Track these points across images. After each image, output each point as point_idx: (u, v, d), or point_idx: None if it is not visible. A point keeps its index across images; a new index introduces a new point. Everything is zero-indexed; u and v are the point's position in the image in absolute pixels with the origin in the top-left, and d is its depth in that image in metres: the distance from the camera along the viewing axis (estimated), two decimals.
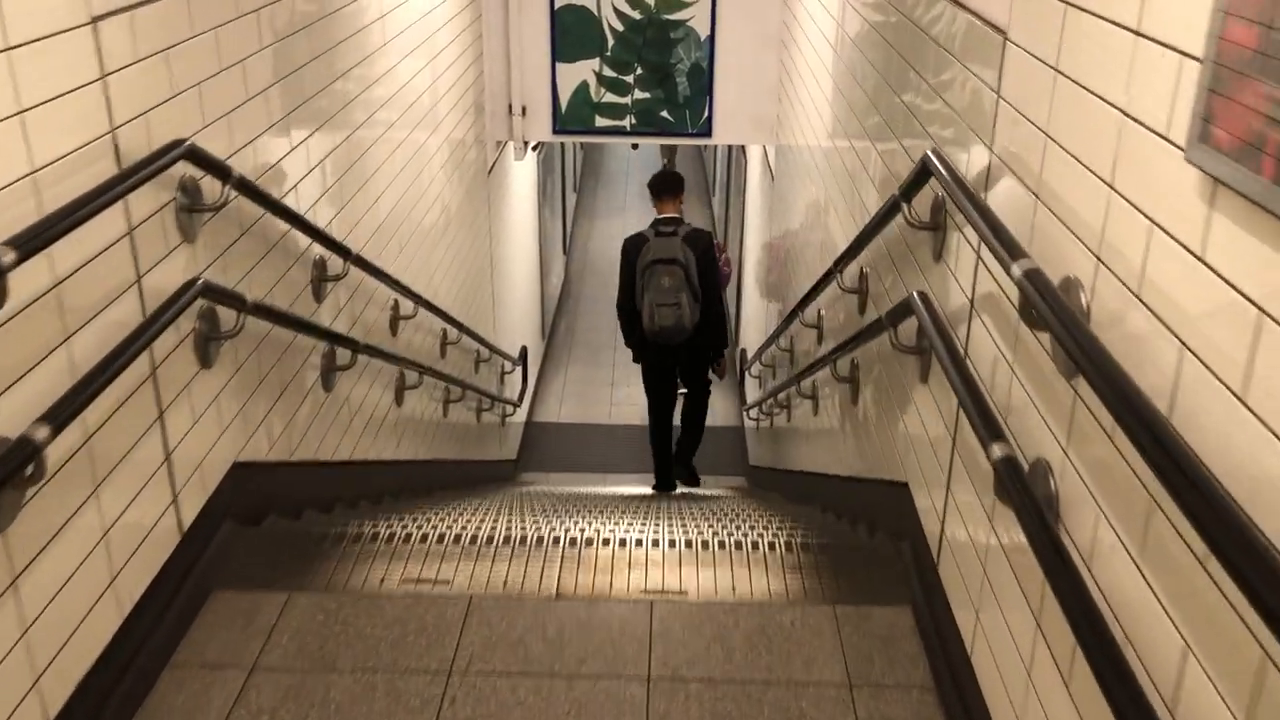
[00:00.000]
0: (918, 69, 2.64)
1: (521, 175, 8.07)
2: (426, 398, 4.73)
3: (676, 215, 5.60)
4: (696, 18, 6.31)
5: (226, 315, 2.47)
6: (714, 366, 5.99)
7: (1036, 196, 1.69)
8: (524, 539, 2.96)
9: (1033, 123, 1.73)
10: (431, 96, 4.82)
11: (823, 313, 4.00)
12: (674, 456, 6.44)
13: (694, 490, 6.70)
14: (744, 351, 7.85)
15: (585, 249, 13.19)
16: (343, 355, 3.36)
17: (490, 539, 2.97)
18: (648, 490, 6.63)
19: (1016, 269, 1.50)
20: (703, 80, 6.46)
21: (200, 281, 2.25)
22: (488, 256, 6.50)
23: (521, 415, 8.37)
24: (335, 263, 3.26)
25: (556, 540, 2.96)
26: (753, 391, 7.58)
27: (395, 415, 4.23)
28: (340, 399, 3.47)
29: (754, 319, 7.83)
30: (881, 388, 2.85)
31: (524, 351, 7.68)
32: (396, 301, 4.13)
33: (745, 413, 7.71)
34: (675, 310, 5.34)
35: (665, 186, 5.60)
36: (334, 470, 3.38)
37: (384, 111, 3.94)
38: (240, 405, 2.65)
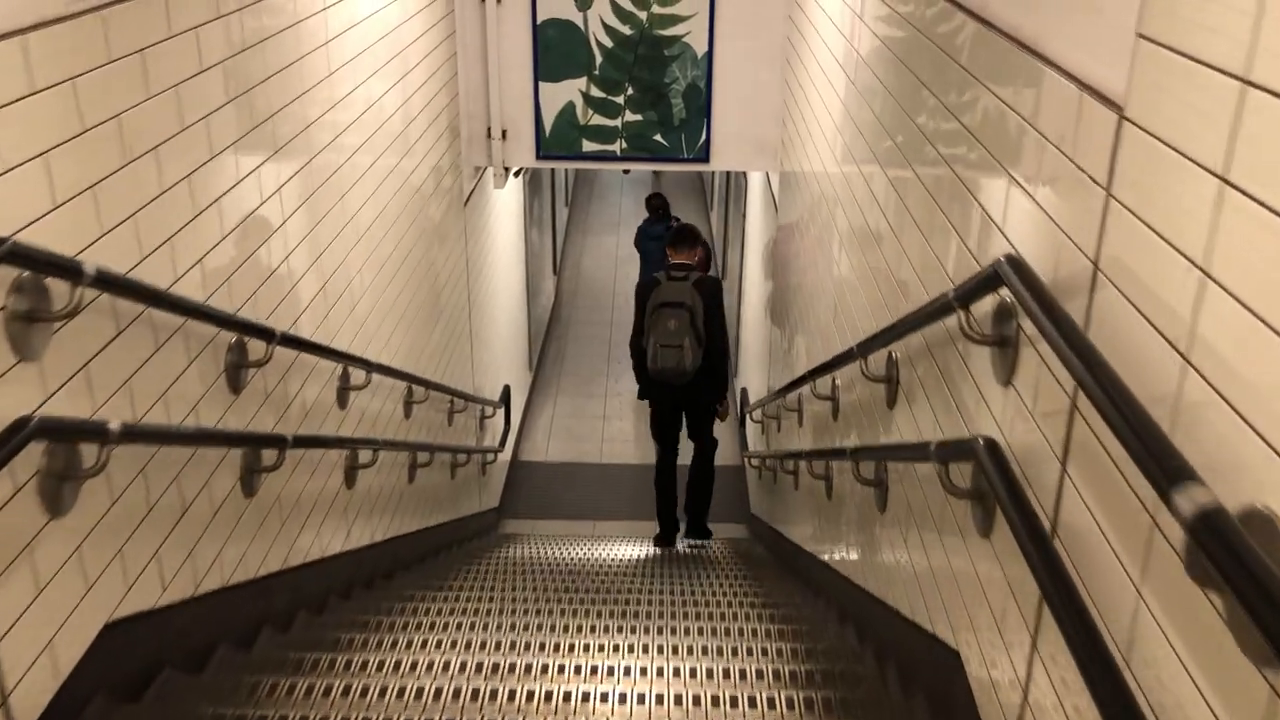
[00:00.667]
0: (964, 122, 2.10)
1: (505, 197, 7.53)
2: (386, 470, 4.20)
3: (690, 263, 5.62)
4: (693, 33, 5.78)
5: (89, 446, 1.93)
6: (715, 409, 6.10)
7: (1185, 360, 1.16)
8: (475, 694, 2.42)
9: (1174, 247, 1.20)
10: (399, 123, 4.29)
11: (838, 383, 3.47)
12: (687, 510, 6.53)
13: (698, 543, 6.43)
14: (745, 390, 7.31)
15: (577, 267, 12.66)
16: (270, 452, 2.83)
17: (437, 693, 2.43)
18: (638, 552, 6.10)
19: (1184, 503, 0.97)
20: (700, 101, 5.93)
21: (35, 420, 1.72)
22: (464, 294, 5.96)
23: (506, 454, 7.84)
24: (258, 345, 2.73)
25: (512, 695, 2.42)
26: (753, 433, 7.05)
27: (346, 499, 3.69)
28: (267, 502, 2.94)
29: (755, 355, 7.30)
30: (922, 515, 2.32)
31: (506, 392, 7.15)
32: (346, 369, 3.60)
33: (746, 459, 7.16)
34: (677, 352, 5.48)
35: (682, 240, 5.64)
36: (255, 589, 2.84)
37: (331, 153, 3.41)
38: (117, 548, 2.12)
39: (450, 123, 5.53)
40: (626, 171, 14.43)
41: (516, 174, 6.67)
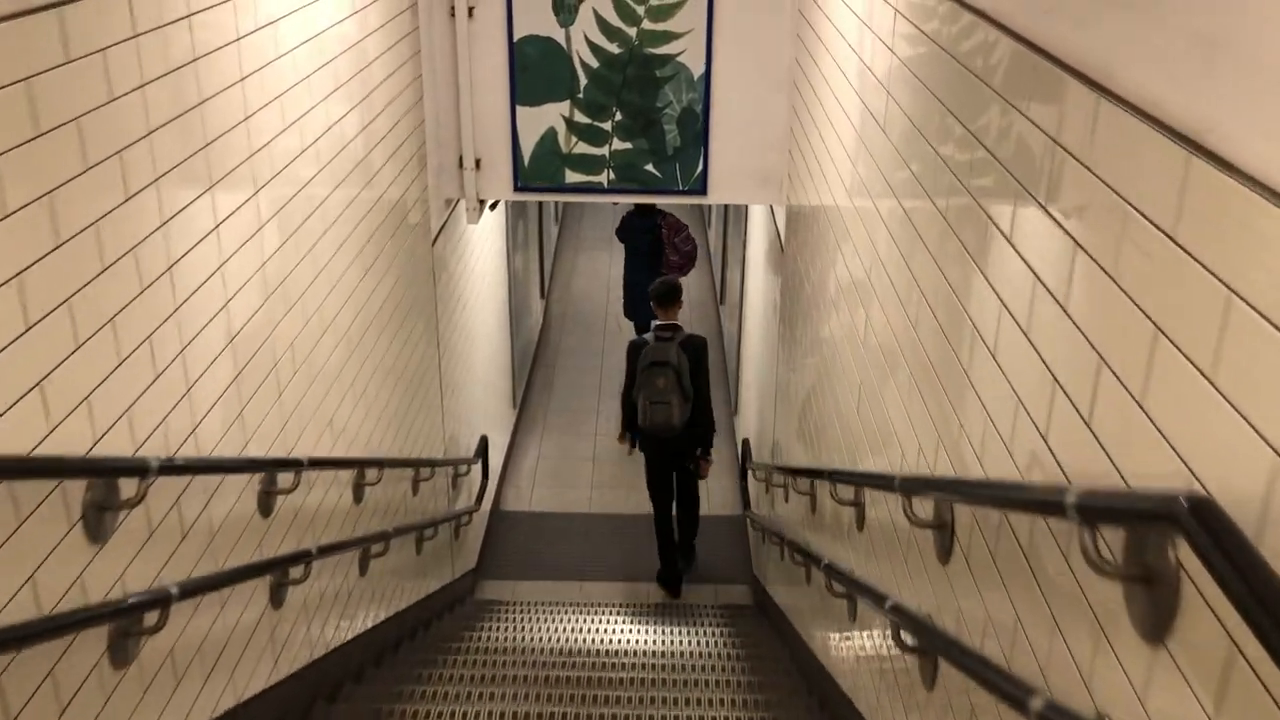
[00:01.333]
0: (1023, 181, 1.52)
1: (483, 226, 6.94)
2: (329, 573, 3.61)
3: (676, 323, 6.05)
4: (688, 52, 5.20)
5: None
6: (701, 460, 6.41)
7: None
8: None
9: None
10: (353, 153, 3.70)
11: (867, 498, 2.89)
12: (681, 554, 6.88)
13: (694, 606, 6.44)
14: (745, 442, 6.72)
15: (568, 288, 12.07)
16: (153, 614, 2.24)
17: None
18: (632, 634, 5.51)
19: None
20: (696, 128, 5.34)
21: None
22: (433, 342, 5.38)
23: (486, 504, 7.25)
24: (132, 479, 2.14)
25: None
26: (755, 489, 6.46)
27: (272, 623, 3.10)
28: (152, 665, 2.35)
29: (758, 395, 6.72)
30: None
31: (483, 443, 6.56)
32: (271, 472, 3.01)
33: (748, 520, 6.57)
34: (665, 409, 5.93)
35: (666, 298, 6.08)
36: None
37: (249, 209, 2.82)
38: None
39: (417, 152, 4.95)
40: (616, 204, 13.71)
41: (493, 207, 6.10)
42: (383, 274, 4.29)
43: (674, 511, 6.64)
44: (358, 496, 3.91)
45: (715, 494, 7.88)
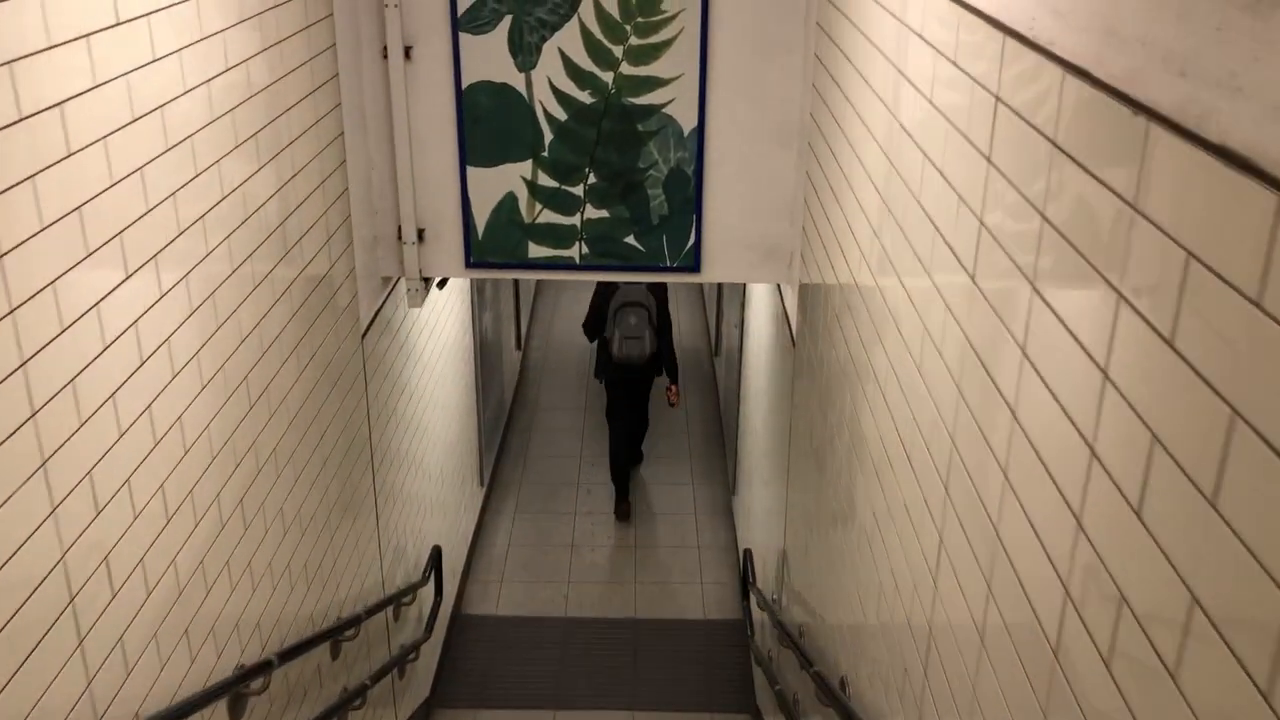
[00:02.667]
0: None
1: (437, 298, 6.03)
2: None
3: None
4: (677, 102, 4.29)
5: None
6: (671, 387, 7.66)
7: None
8: None
9: None
10: (255, 237, 2.78)
11: None
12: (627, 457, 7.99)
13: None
14: (747, 554, 5.78)
15: (548, 334, 11.14)
16: None
17: None
18: None
19: None
20: (686, 192, 4.43)
21: None
22: (364, 450, 4.45)
23: (445, 610, 6.32)
24: None
25: None
26: (757, 612, 5.53)
27: None
28: None
29: (758, 505, 5.79)
30: None
31: (435, 556, 5.62)
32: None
33: (751, 648, 5.62)
34: (639, 343, 7.21)
35: None
36: None
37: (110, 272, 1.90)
38: None
39: (342, 223, 4.04)
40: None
41: (440, 285, 5.18)
42: (278, 400, 3.36)
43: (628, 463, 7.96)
44: (236, 713, 2.97)
45: (710, 592, 6.97)
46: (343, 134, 4.02)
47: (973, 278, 1.90)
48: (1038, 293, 1.58)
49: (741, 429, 7.21)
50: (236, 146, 2.98)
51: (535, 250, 4.55)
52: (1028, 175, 1.65)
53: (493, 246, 4.54)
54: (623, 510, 7.82)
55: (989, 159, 1.82)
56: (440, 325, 5.97)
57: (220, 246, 2.88)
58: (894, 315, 2.58)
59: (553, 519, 7.82)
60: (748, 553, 5.66)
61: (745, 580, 5.54)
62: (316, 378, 3.74)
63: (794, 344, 4.39)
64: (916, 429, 2.33)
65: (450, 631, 6.49)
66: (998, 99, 1.78)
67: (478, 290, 7.27)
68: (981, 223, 1.85)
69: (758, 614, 5.36)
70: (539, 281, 12.22)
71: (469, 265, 4.58)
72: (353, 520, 4.28)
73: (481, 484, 7.67)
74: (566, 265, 4.58)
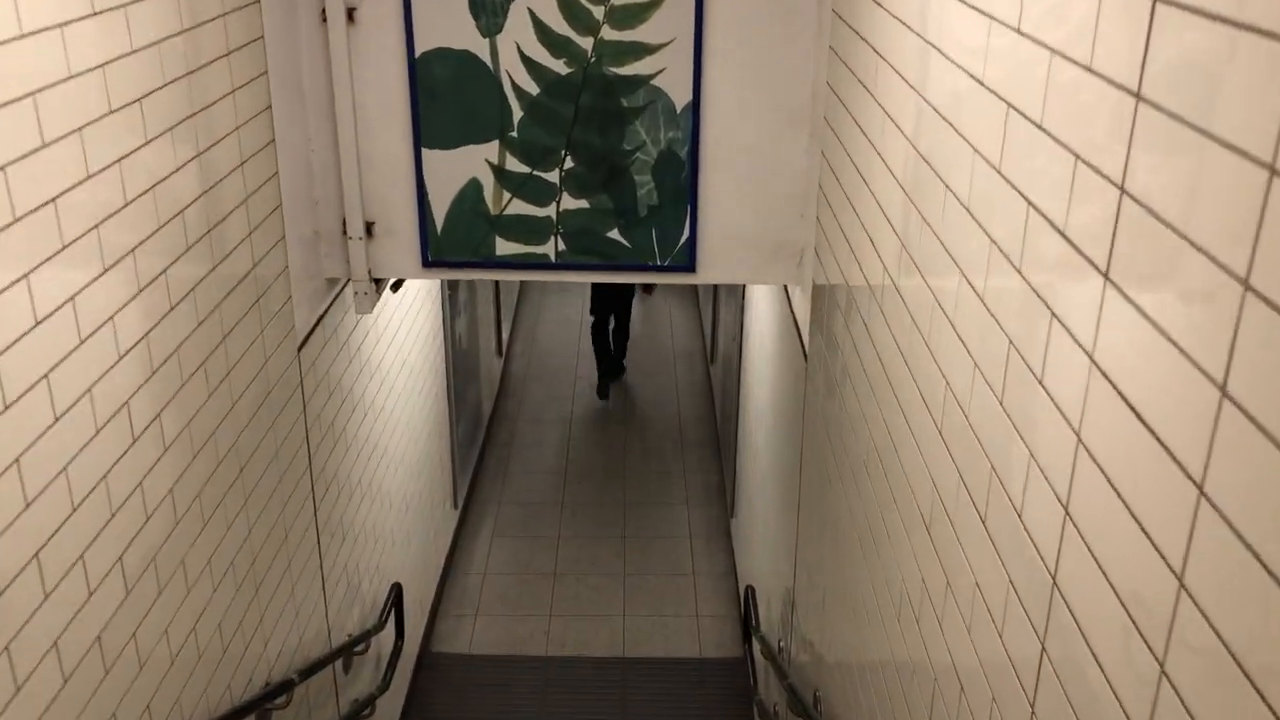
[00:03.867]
0: None
1: (404, 298, 5.42)
2: None
3: None
4: (668, 72, 3.69)
5: None
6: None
7: None
8: None
9: None
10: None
11: None
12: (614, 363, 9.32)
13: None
14: (751, 592, 5.17)
15: (531, 339, 10.53)
16: None
17: None
18: None
19: None
20: (679, 179, 3.83)
21: None
22: (300, 480, 3.85)
23: (410, 652, 5.72)
24: None
25: None
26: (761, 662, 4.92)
27: None
28: None
29: (765, 544, 5.19)
30: None
31: (395, 595, 5.00)
32: None
33: (755, 710, 5.00)
34: None
35: None
36: None
37: None
38: None
39: (270, 213, 3.43)
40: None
41: (395, 288, 4.58)
42: (178, 428, 2.75)
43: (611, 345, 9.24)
44: None
45: (707, 627, 6.37)
46: (270, 108, 3.41)
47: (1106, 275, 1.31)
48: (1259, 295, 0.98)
49: (741, 444, 6.61)
50: (112, 111, 2.38)
51: (504, 246, 3.94)
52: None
53: (454, 242, 3.93)
54: (603, 389, 9.19)
55: (1138, 95, 1.22)
56: (403, 333, 5.36)
57: (86, 236, 2.27)
58: (954, 324, 1.99)
59: (533, 544, 7.21)
60: (750, 591, 5.05)
61: (747, 622, 4.93)
62: (234, 398, 3.13)
63: (806, 356, 3.79)
64: (993, 478, 1.73)
65: (416, 675, 5.87)
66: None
67: (450, 292, 6.66)
68: (1124, 192, 1.25)
69: (762, 661, 4.75)
70: (522, 282, 11.62)
71: (427, 264, 3.98)
72: (287, 563, 3.66)
73: (455, 506, 7.06)
74: (540, 264, 3.97)
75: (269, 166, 3.41)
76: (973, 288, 1.90)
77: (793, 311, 4.16)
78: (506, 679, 5.97)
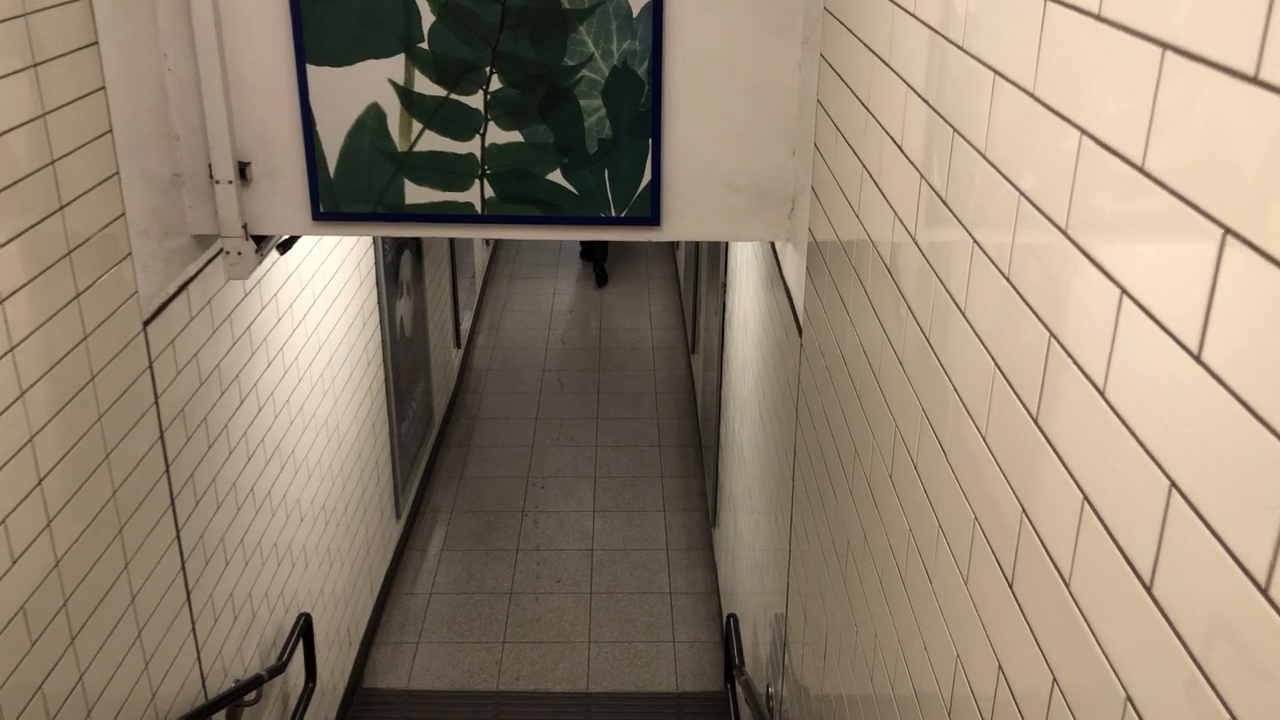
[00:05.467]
0: None
1: (321, 262, 4.63)
2: None
3: None
4: None
5: None
6: None
7: None
8: None
9: None
10: None
11: None
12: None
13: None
14: (733, 622, 4.36)
15: (496, 328, 9.73)
16: None
17: None
18: None
19: None
20: (638, 104, 3.04)
21: None
22: (153, 489, 3.05)
23: (333, 690, 4.94)
24: None
25: None
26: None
27: None
28: None
29: (750, 559, 4.40)
30: None
31: (305, 628, 4.19)
32: None
33: None
34: None
35: None
36: None
37: None
38: None
39: (90, 142, 2.63)
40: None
41: (284, 248, 3.73)
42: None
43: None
44: None
45: (685, 655, 5.60)
46: (92, 9, 2.61)
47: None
48: None
49: (724, 444, 5.83)
50: None
51: (415, 194, 3.14)
52: None
53: (352, 189, 3.13)
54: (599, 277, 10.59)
55: None
56: (320, 312, 4.56)
57: None
58: (1014, 284, 1.21)
59: (488, 559, 6.41)
60: (732, 622, 4.24)
61: (729, 659, 4.14)
62: (21, 385, 2.33)
63: (800, 329, 2.99)
64: (1085, 511, 0.95)
65: (343, 716, 5.07)
66: None
67: (389, 269, 5.86)
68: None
69: (745, 709, 3.96)
70: (491, 262, 10.82)
71: (318, 217, 3.17)
72: (129, 596, 2.86)
73: (398, 516, 6.25)
74: (462, 217, 3.17)
75: (87, 76, 2.61)
76: (1056, 227, 1.11)
77: (783, 278, 3.37)
78: (452, 718, 5.18)
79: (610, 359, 9.06)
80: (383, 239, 5.66)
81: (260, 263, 3.29)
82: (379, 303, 5.68)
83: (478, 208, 3.15)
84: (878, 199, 2.08)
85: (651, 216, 3.17)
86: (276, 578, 4.10)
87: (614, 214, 3.16)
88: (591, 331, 9.62)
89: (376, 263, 5.61)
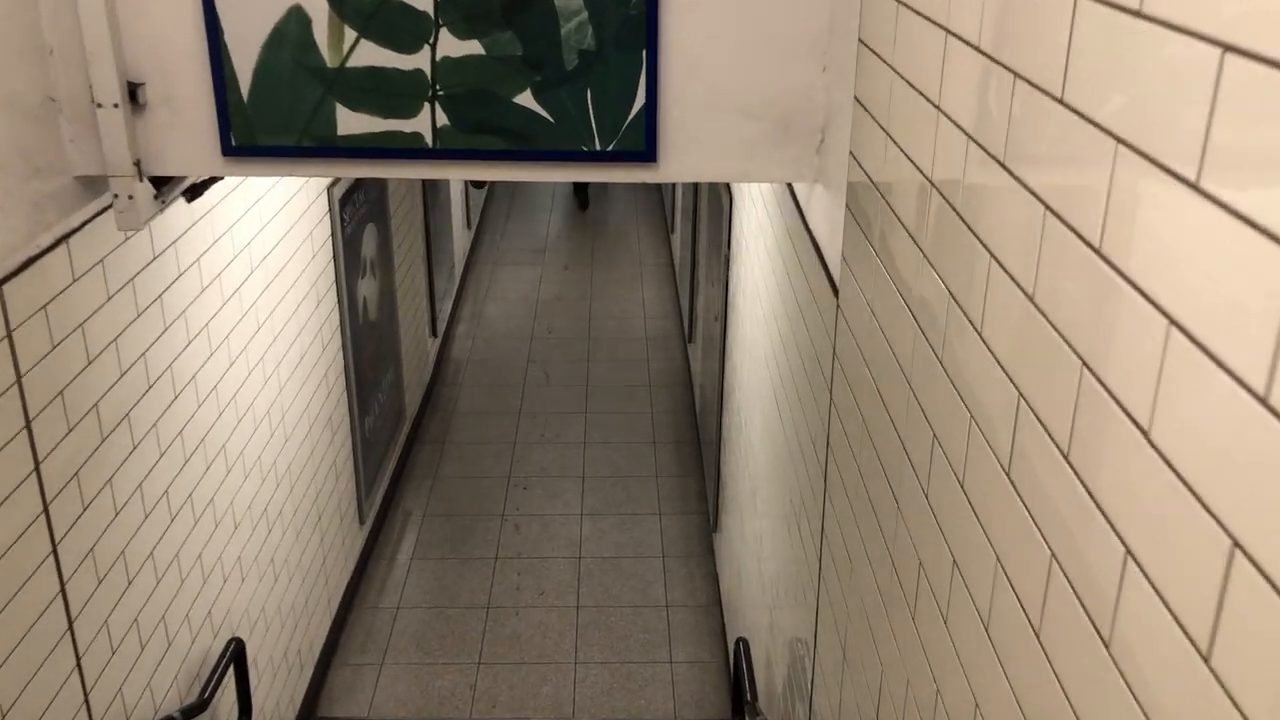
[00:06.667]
0: None
1: (249, 240, 4.04)
2: None
3: None
4: None
5: None
6: None
7: None
8: None
9: None
10: None
11: None
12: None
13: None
14: (744, 646, 3.74)
15: (478, 317, 9.13)
16: None
17: None
18: None
19: None
20: (627, 7, 2.44)
21: None
22: (18, 487, 2.45)
23: (287, 714, 4.35)
24: None
25: None
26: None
27: None
28: None
29: (761, 570, 3.80)
30: None
31: (235, 654, 3.58)
32: None
33: None
34: None
35: None
36: None
37: None
38: None
39: None
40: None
41: (192, 193, 3.08)
42: None
43: None
44: None
45: (684, 678, 5.01)
46: None
47: None
48: None
49: (727, 439, 5.24)
50: None
51: (350, 121, 2.53)
52: None
53: (270, 116, 2.53)
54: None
55: None
56: (258, 285, 3.95)
57: None
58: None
59: (463, 568, 5.81)
60: (742, 647, 3.63)
61: (738, 692, 3.53)
62: None
63: (835, 287, 2.39)
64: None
65: None
66: None
67: (349, 243, 5.26)
68: None
69: None
70: (473, 248, 10.21)
71: (229, 152, 2.57)
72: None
73: (362, 522, 5.65)
74: (409, 150, 2.57)
75: None
76: None
77: (809, 229, 2.77)
78: None
79: (600, 349, 8.47)
80: (339, 207, 5.05)
81: (159, 211, 2.68)
82: (337, 280, 5.07)
83: (428, 139, 2.55)
84: (948, 127, 1.49)
85: (645, 151, 2.57)
86: (202, 597, 3.49)
87: (599, 147, 2.56)
88: (580, 320, 9.03)
89: (334, 235, 5.00)
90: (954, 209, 1.53)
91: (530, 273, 10.06)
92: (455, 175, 2.67)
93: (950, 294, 1.54)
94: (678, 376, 7.98)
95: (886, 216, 1.93)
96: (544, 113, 2.53)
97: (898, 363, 1.82)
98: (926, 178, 1.66)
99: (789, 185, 3.10)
